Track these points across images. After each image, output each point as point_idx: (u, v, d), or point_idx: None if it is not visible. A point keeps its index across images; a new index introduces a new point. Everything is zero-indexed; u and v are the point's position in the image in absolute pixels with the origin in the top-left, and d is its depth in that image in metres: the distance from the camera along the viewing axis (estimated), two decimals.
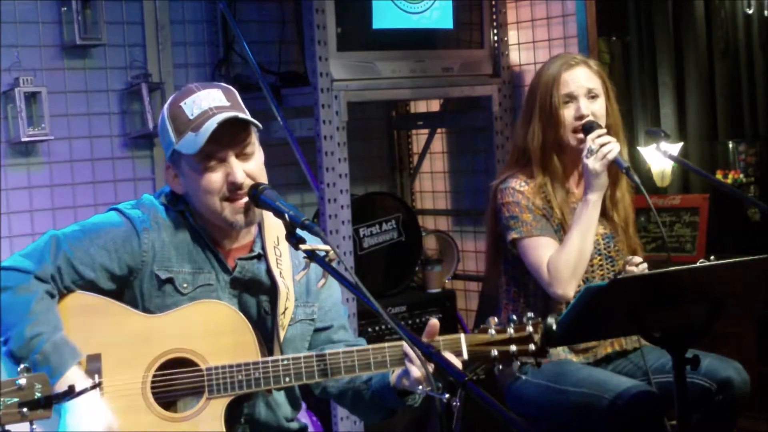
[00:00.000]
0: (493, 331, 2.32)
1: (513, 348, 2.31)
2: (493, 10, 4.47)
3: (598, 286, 2.39)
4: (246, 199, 2.33)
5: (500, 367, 2.32)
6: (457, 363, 2.26)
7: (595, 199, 2.98)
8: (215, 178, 2.32)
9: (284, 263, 2.46)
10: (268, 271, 2.43)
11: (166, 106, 2.41)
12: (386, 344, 2.32)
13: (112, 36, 4.09)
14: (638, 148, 4.60)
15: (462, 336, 2.32)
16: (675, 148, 4.38)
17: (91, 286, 2.33)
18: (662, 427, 2.81)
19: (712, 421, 2.89)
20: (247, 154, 2.36)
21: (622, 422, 2.79)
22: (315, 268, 2.46)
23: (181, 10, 4.32)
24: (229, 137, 2.31)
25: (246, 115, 2.34)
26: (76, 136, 4.06)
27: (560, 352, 3.03)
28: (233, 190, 2.32)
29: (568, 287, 2.95)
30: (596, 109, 3.06)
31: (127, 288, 2.36)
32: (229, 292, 2.40)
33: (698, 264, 2.46)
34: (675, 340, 2.48)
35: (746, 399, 2.90)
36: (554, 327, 2.32)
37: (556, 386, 2.96)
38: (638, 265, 2.95)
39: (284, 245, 2.46)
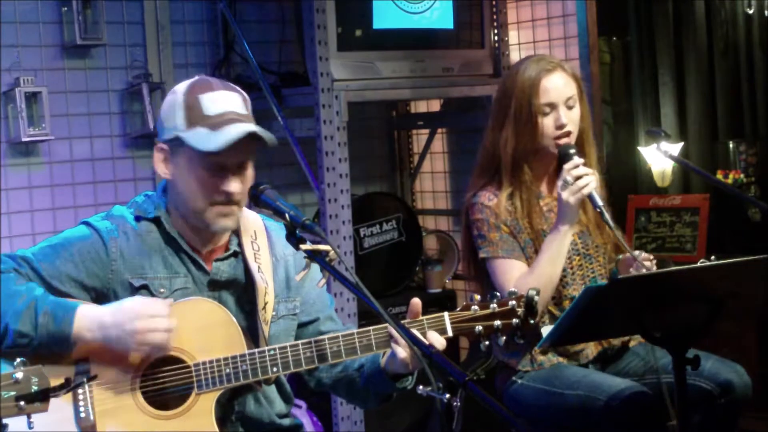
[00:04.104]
0: (476, 308, 2.34)
1: (497, 323, 2.33)
2: (494, 10, 4.47)
3: (598, 287, 2.39)
4: (233, 207, 2.34)
5: (486, 343, 2.33)
6: (442, 341, 2.28)
7: (566, 229, 2.93)
8: (210, 183, 2.32)
9: (263, 258, 2.45)
10: (246, 267, 2.43)
11: (181, 90, 2.37)
12: (371, 327, 2.33)
13: (112, 36, 4.09)
14: (638, 148, 4.61)
15: (446, 314, 2.34)
16: (675, 148, 4.38)
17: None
18: (658, 427, 2.81)
19: (713, 424, 2.89)
20: (245, 166, 2.36)
21: (617, 423, 2.79)
22: (296, 264, 2.47)
23: (182, 10, 4.32)
24: (239, 149, 2.30)
25: (263, 131, 2.32)
26: (76, 136, 4.06)
27: (551, 357, 3.03)
28: (226, 199, 2.33)
29: None
30: (574, 116, 3.03)
31: (103, 300, 2.36)
32: (207, 294, 2.40)
33: (698, 264, 2.46)
34: (675, 340, 2.48)
35: (747, 402, 2.90)
36: (535, 299, 2.33)
37: (552, 389, 2.96)
38: (651, 261, 2.90)
39: (262, 240, 2.48)
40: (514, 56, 4.51)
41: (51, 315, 2.23)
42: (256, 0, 4.46)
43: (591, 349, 3.05)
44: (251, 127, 2.30)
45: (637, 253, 2.92)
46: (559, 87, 3.02)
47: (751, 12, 4.59)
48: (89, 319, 2.25)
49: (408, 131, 5.10)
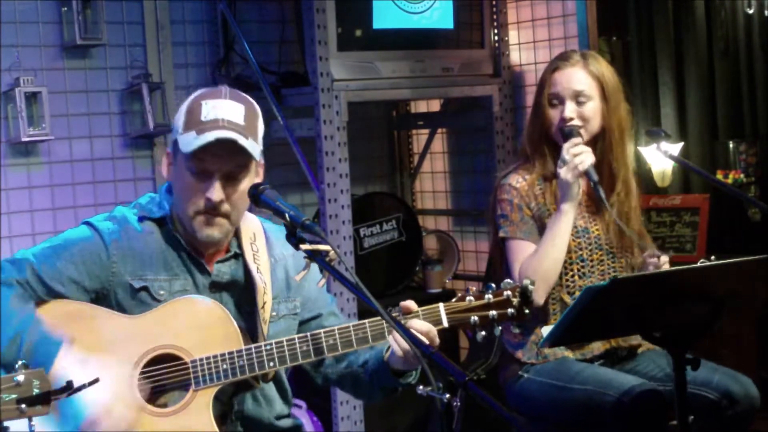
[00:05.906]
0: (471, 298, 2.35)
1: (492, 313, 2.35)
2: (494, 10, 4.47)
3: (598, 286, 2.39)
4: (220, 218, 2.34)
5: (483, 333, 2.34)
6: (428, 326, 2.27)
7: (567, 208, 2.99)
8: (196, 188, 2.33)
9: (261, 259, 2.47)
10: (245, 268, 2.44)
11: (192, 95, 2.41)
12: (367, 320, 2.34)
13: (112, 36, 4.08)
14: (638, 148, 4.60)
15: (441, 305, 2.35)
16: (675, 148, 4.38)
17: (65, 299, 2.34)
18: (667, 427, 2.80)
19: None
20: (236, 178, 2.35)
21: (627, 420, 2.79)
22: (295, 264, 2.47)
23: (182, 10, 4.31)
24: (222, 156, 2.31)
25: (252, 142, 2.32)
26: (76, 136, 4.06)
27: (556, 351, 3.03)
28: (208, 207, 2.33)
29: (535, 293, 2.94)
30: (585, 111, 3.06)
31: (103, 300, 2.37)
32: (209, 296, 2.40)
33: (698, 264, 2.46)
34: (675, 340, 2.48)
35: (754, 414, 2.90)
36: (530, 288, 2.34)
37: (560, 384, 2.96)
38: (660, 258, 2.94)
39: (261, 241, 2.49)
40: (514, 56, 4.52)
41: (33, 351, 2.23)
42: (256, 0, 4.46)
43: (597, 344, 3.05)
44: (231, 134, 2.29)
45: (649, 251, 2.97)
46: (567, 81, 3.07)
47: (751, 12, 4.59)
48: (69, 361, 2.24)
49: (408, 131, 5.10)
